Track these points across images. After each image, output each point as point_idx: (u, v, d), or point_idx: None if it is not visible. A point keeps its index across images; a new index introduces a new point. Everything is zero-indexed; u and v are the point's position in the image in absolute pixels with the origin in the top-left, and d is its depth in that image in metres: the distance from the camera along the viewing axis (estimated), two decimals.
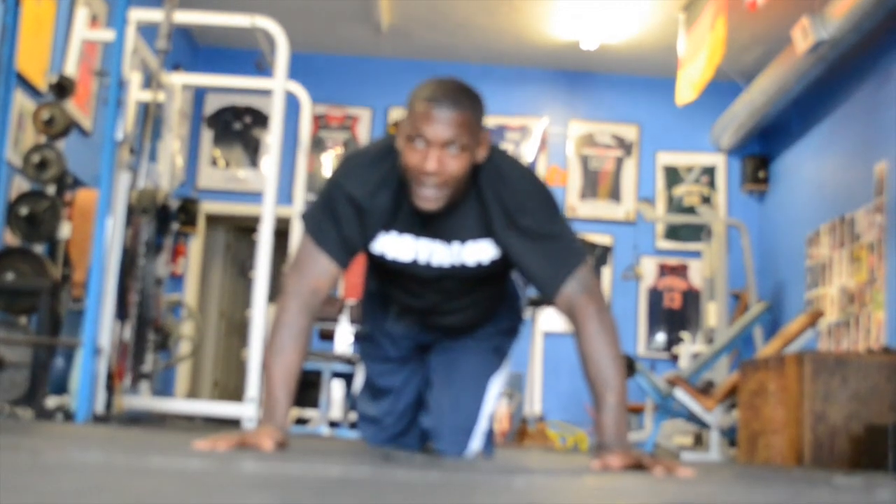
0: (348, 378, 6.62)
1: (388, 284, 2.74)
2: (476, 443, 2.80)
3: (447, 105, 2.25)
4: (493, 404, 2.87)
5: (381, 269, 2.62)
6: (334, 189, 2.43)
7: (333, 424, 6.55)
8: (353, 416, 2.88)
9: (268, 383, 2.32)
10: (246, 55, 6.85)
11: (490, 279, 2.67)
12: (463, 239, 2.46)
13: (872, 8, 6.30)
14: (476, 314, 2.80)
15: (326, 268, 2.39)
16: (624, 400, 2.28)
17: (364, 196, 2.40)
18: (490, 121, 7.95)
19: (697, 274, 9.13)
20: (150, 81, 5.48)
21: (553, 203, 2.45)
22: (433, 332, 2.85)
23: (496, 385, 2.87)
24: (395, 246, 2.47)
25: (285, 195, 7.78)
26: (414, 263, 2.49)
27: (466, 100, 2.30)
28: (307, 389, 6.53)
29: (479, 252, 2.48)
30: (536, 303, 7.81)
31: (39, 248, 5.21)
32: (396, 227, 2.45)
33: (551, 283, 2.37)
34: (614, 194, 9.34)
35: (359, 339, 3.06)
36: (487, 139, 2.37)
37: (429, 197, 2.30)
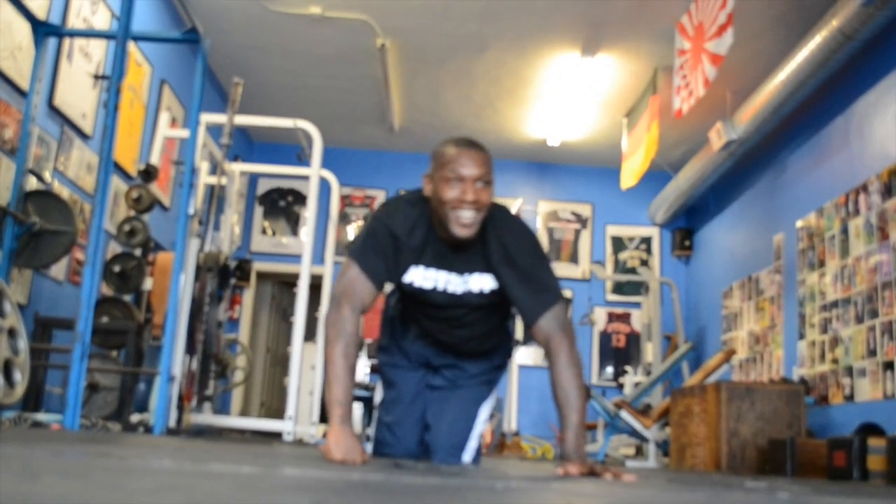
0: (366, 401, 6.56)
1: (412, 309, 2.63)
2: (467, 456, 2.71)
3: (475, 149, 2.26)
4: (482, 426, 2.78)
5: (408, 296, 2.52)
6: (379, 226, 2.34)
7: None
8: (369, 431, 2.84)
9: (335, 375, 2.23)
10: (289, 149, 6.91)
11: (488, 309, 2.56)
12: (471, 271, 2.39)
13: (770, 115, 6.38)
14: (477, 340, 2.70)
15: (369, 289, 2.31)
16: (583, 420, 2.23)
17: (403, 234, 2.33)
18: None
19: (638, 320, 9.11)
20: (215, 169, 5.51)
21: (541, 250, 2.41)
22: (442, 353, 2.74)
23: (485, 410, 2.78)
24: (422, 276, 2.39)
25: (318, 257, 7.79)
26: (434, 290, 2.42)
27: (483, 147, 2.31)
28: None
29: (482, 282, 2.41)
30: (516, 343, 7.79)
31: (128, 297, 5.21)
32: (424, 261, 2.38)
33: (532, 313, 2.30)
34: (573, 258, 9.35)
35: (379, 349, 2.94)
36: (493, 185, 2.33)
37: (467, 223, 2.24)
